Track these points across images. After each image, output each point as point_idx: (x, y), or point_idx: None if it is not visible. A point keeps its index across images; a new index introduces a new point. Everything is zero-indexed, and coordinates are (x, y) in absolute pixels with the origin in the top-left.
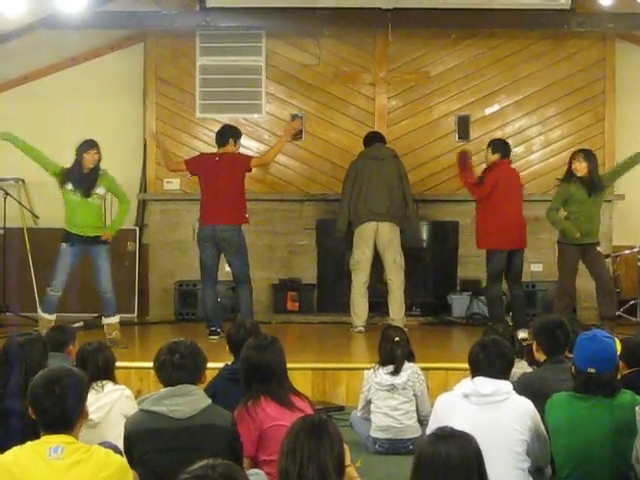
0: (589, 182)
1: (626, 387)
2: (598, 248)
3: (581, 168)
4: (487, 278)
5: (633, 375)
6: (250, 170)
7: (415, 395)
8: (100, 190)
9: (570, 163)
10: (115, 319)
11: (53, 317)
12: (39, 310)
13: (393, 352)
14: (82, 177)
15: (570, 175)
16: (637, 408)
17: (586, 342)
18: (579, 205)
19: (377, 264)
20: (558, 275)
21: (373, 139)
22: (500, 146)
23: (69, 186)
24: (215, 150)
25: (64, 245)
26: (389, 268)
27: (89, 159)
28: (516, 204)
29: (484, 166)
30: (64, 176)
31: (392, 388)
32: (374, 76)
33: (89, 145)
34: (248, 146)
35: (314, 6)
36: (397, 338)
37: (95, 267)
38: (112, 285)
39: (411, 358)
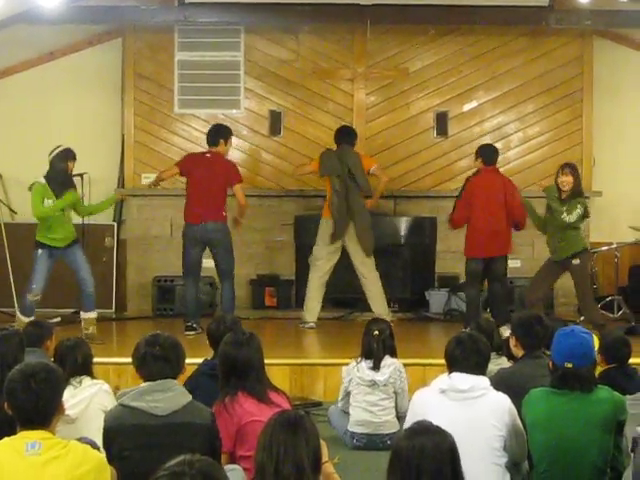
0: (569, 199)
1: (604, 383)
2: (575, 261)
3: (567, 182)
4: (465, 281)
5: (611, 371)
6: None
7: (395, 392)
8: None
9: (555, 177)
10: (93, 314)
11: (31, 318)
12: (17, 311)
13: (370, 345)
14: (64, 187)
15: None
16: (628, 397)
17: (564, 337)
18: (555, 218)
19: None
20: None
21: (341, 139)
22: (482, 152)
23: (46, 203)
24: (200, 149)
25: (40, 251)
26: (358, 269)
27: (72, 168)
28: (497, 211)
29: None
30: (43, 195)
31: (373, 384)
32: (352, 72)
33: (73, 155)
34: None
35: (293, 2)
36: (376, 332)
37: (75, 267)
38: (93, 280)
39: (393, 353)
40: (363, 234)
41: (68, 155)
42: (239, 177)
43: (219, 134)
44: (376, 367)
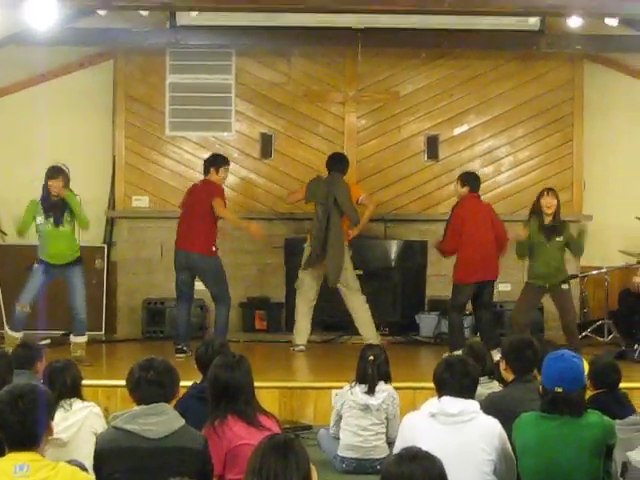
0: (550, 226)
1: (594, 407)
2: (564, 286)
3: (551, 205)
4: (450, 306)
5: (601, 395)
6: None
7: (387, 418)
8: (68, 217)
9: (535, 201)
10: (83, 339)
11: (20, 334)
12: (6, 327)
13: (365, 370)
14: (50, 205)
15: (533, 212)
16: (617, 421)
17: (554, 361)
18: (537, 248)
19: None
20: (514, 308)
21: (332, 166)
22: (469, 179)
23: (38, 220)
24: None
25: (36, 266)
26: (343, 294)
27: (52, 186)
28: (486, 237)
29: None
30: (33, 211)
31: (366, 408)
32: (344, 95)
33: (53, 171)
34: None
35: (284, 25)
36: (371, 357)
37: (70, 287)
38: (85, 306)
39: (387, 379)
40: (330, 263)
41: (47, 173)
42: (217, 193)
43: (209, 162)
44: (370, 392)
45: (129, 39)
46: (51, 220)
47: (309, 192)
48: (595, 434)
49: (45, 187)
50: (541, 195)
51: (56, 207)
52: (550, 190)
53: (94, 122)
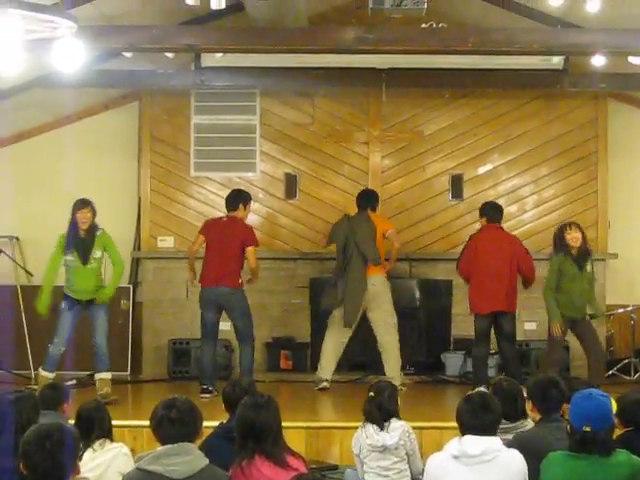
0: (581, 255)
1: (621, 446)
2: (588, 318)
3: (577, 238)
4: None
5: (629, 434)
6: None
7: (407, 454)
8: (97, 254)
9: (559, 237)
10: (107, 375)
11: (52, 375)
12: (40, 368)
13: (368, 408)
14: (79, 241)
15: (561, 249)
16: None
17: (581, 400)
18: (571, 281)
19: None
20: (548, 346)
21: (359, 206)
22: (485, 209)
23: (68, 256)
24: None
25: (63, 304)
26: (378, 329)
27: (81, 218)
28: (500, 268)
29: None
30: (63, 246)
31: (384, 449)
32: (368, 135)
33: (81, 204)
34: None
35: (308, 65)
36: (371, 394)
37: (93, 324)
38: (107, 343)
39: (395, 416)
40: (348, 304)
41: (74, 206)
42: (255, 240)
43: (239, 199)
44: (381, 428)
45: (154, 80)
46: (79, 256)
47: (330, 234)
48: (623, 473)
49: (73, 221)
50: (564, 231)
51: (84, 243)
52: (572, 224)
53: (119, 163)
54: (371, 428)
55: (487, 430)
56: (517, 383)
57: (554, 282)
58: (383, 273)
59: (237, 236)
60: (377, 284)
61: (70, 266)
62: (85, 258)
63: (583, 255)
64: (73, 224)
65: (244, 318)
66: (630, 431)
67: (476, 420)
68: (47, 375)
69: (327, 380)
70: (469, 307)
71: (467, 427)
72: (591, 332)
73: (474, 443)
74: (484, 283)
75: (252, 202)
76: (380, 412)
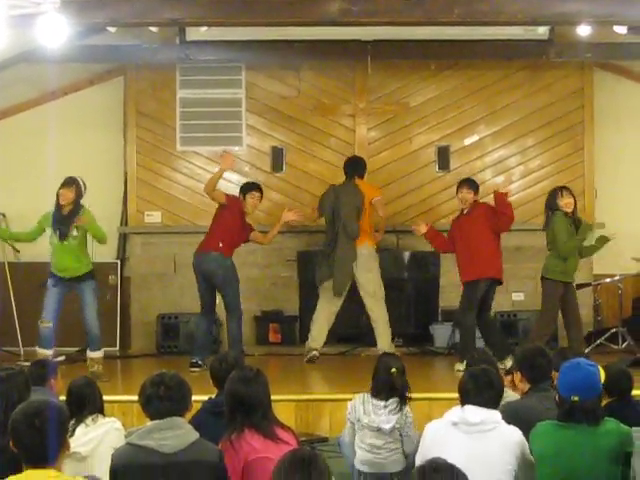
0: (574, 219)
1: (608, 415)
2: (574, 285)
3: (570, 203)
4: (463, 308)
5: (614, 403)
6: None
7: (401, 435)
8: (75, 232)
9: (552, 202)
10: (99, 353)
11: (50, 352)
12: (37, 347)
13: (390, 384)
14: (60, 218)
15: (555, 210)
16: (634, 429)
17: (569, 370)
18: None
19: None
20: (542, 310)
21: (346, 173)
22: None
23: (48, 231)
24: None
25: (49, 281)
26: (367, 300)
27: (62, 196)
28: (481, 238)
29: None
30: (46, 221)
31: (378, 430)
32: (354, 107)
33: (64, 182)
34: (228, 178)
35: (293, 39)
36: (394, 369)
37: (81, 303)
38: (98, 321)
39: (405, 397)
40: (337, 274)
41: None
42: (253, 232)
43: (241, 189)
44: (386, 406)
45: (139, 55)
46: (56, 233)
47: (319, 207)
48: (612, 442)
49: (57, 200)
50: (557, 196)
51: (64, 221)
52: (565, 189)
53: (105, 139)
54: (370, 406)
55: (489, 404)
56: (490, 354)
57: (566, 235)
58: (373, 244)
59: (239, 216)
60: (366, 253)
61: (51, 244)
62: (62, 235)
63: (575, 222)
64: (56, 201)
65: (228, 287)
66: (615, 400)
67: (480, 397)
68: (45, 352)
69: (317, 349)
70: (463, 274)
71: (469, 401)
72: (575, 303)
73: (475, 412)
74: (472, 253)
75: (236, 175)
76: (391, 391)
